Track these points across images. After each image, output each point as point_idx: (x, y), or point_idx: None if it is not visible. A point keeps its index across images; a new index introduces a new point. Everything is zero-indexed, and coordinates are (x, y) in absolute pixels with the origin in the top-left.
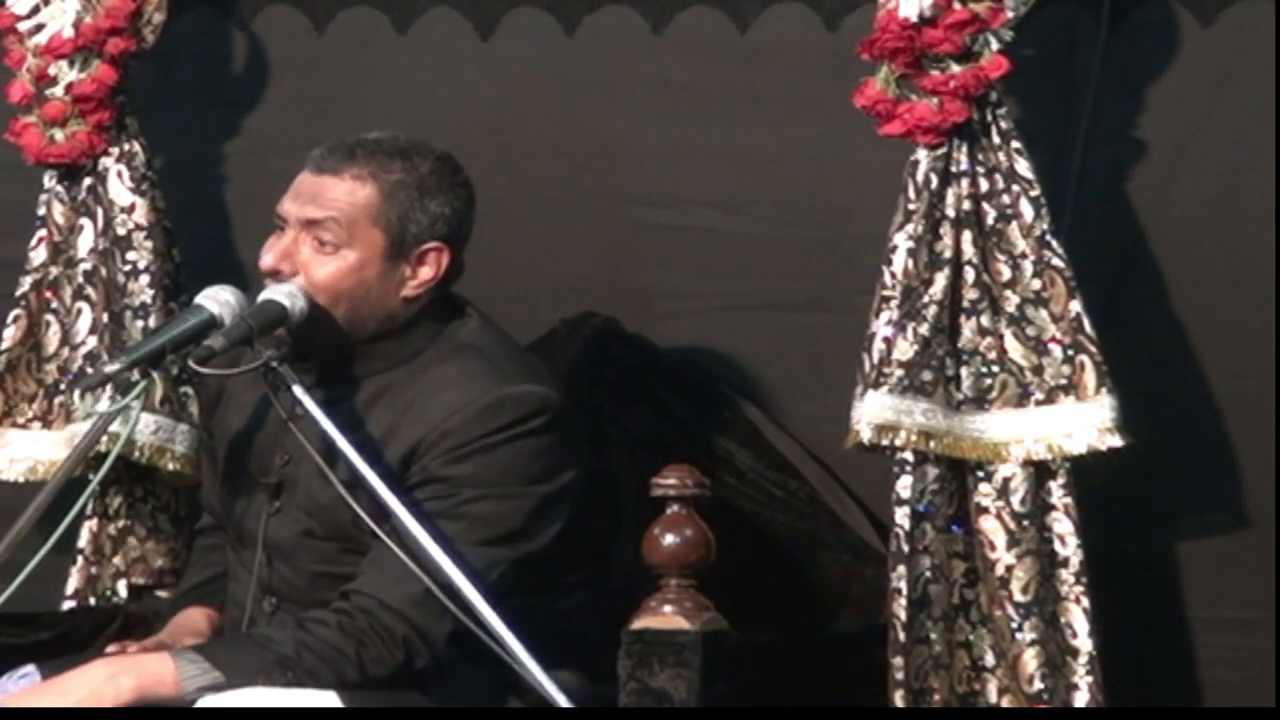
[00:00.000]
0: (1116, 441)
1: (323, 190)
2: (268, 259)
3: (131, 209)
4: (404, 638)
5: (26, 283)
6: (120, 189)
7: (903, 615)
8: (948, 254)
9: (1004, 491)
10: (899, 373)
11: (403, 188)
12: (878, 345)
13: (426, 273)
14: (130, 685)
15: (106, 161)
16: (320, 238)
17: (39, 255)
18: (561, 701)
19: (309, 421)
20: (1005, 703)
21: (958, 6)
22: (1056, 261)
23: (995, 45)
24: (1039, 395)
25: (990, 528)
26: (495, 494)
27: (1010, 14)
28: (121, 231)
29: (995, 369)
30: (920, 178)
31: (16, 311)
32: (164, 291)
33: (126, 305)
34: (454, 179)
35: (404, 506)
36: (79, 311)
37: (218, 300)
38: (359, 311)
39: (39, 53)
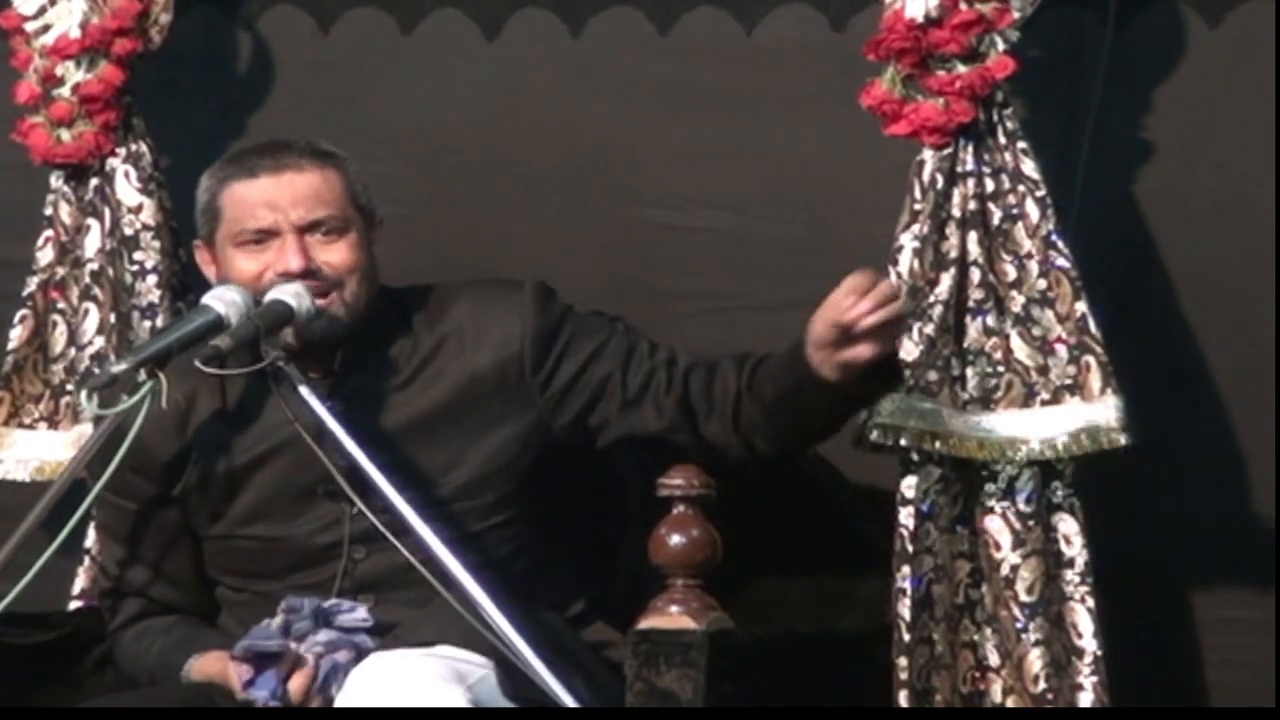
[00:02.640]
0: (1122, 442)
1: (297, 189)
2: (295, 262)
3: (139, 209)
4: None
5: (33, 283)
6: (127, 189)
7: (906, 615)
8: (953, 254)
9: (1009, 491)
10: (904, 373)
11: (349, 165)
12: None
13: (378, 243)
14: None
15: (113, 162)
16: (324, 230)
17: (46, 255)
18: (567, 701)
19: (339, 419)
20: (1010, 703)
21: (964, 7)
22: (1062, 262)
23: (1001, 46)
24: (1044, 395)
25: (995, 528)
26: (615, 329)
27: (1016, 15)
28: (129, 232)
29: (1001, 369)
30: (926, 178)
31: (23, 312)
32: (171, 291)
33: (134, 305)
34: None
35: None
36: (86, 312)
37: (224, 300)
38: (374, 285)
39: (46, 53)
